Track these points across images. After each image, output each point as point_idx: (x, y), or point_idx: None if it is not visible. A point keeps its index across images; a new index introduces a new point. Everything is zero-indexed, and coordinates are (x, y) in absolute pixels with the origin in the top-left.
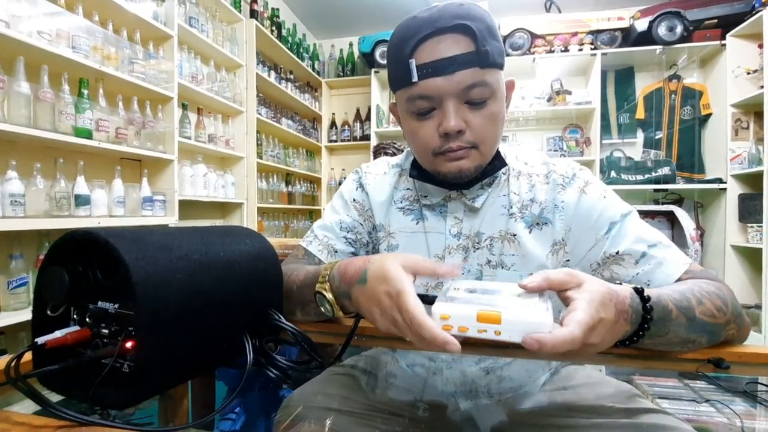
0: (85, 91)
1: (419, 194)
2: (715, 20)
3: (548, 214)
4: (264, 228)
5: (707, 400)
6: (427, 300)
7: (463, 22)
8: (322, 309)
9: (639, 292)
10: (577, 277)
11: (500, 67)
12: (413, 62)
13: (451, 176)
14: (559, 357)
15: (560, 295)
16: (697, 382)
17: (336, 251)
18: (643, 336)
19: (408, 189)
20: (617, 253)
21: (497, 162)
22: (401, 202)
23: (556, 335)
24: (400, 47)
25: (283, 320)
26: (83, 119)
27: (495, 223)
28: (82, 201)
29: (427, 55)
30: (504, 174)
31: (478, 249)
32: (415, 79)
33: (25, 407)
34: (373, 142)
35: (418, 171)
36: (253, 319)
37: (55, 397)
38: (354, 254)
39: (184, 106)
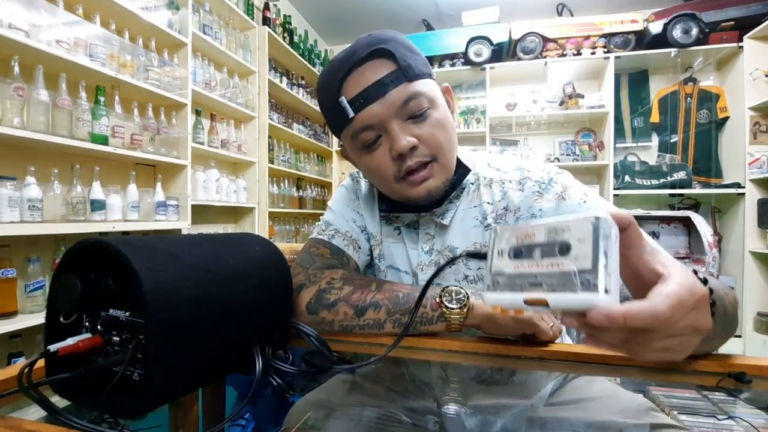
0: (102, 98)
1: (392, 216)
2: (732, 22)
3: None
4: (275, 232)
5: (728, 415)
6: (480, 256)
7: (378, 46)
8: (447, 300)
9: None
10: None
11: (429, 75)
12: (344, 99)
13: (422, 200)
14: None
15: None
16: (716, 393)
17: (359, 247)
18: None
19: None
20: None
21: (461, 170)
22: (383, 212)
23: (632, 306)
24: (328, 91)
25: (303, 326)
26: (99, 126)
27: (469, 236)
28: (97, 206)
29: (354, 88)
30: (473, 183)
31: (453, 264)
32: (351, 114)
33: (38, 414)
34: None
35: (387, 204)
36: (263, 327)
37: (68, 405)
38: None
39: (197, 112)
